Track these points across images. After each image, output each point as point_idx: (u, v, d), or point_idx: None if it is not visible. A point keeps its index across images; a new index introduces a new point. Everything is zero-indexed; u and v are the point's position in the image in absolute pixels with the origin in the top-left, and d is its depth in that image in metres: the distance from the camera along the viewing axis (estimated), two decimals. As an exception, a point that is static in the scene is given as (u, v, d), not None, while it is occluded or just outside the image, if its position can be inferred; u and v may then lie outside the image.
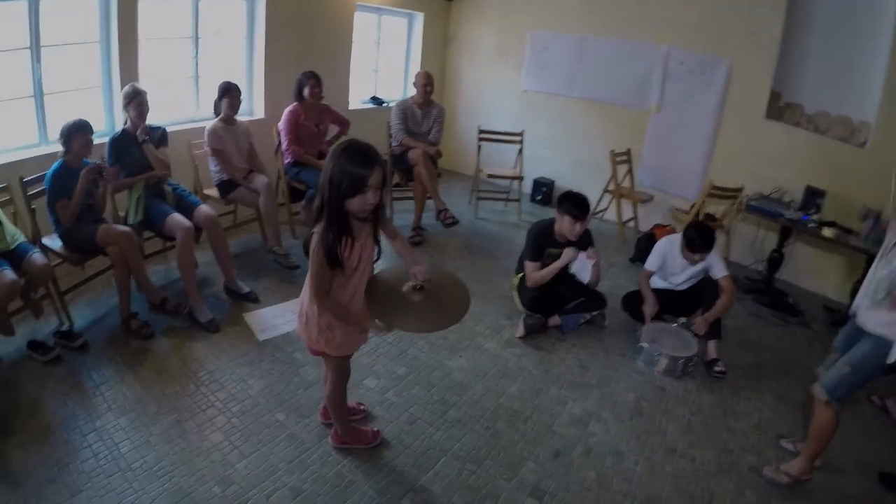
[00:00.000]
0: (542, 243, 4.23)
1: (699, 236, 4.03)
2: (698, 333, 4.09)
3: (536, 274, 4.19)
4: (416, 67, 7.72)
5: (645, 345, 4.06)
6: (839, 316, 5.01)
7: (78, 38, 4.58)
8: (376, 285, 2.44)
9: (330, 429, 3.11)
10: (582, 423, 3.47)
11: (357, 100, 7.39)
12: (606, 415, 3.56)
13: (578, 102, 7.19)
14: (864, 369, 2.89)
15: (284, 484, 2.81)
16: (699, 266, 4.22)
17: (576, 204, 4.04)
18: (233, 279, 4.49)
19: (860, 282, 3.45)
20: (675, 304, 4.44)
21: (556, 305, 4.34)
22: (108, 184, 4.00)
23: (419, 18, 7.89)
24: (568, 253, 4.08)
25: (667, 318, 4.45)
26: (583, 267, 4.12)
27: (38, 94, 4.32)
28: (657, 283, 4.48)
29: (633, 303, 4.49)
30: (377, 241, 2.48)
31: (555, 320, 4.34)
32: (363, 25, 7.19)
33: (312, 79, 5.31)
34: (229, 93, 4.80)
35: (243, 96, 5.35)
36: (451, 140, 8.15)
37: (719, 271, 4.17)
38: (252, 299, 4.45)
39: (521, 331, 4.26)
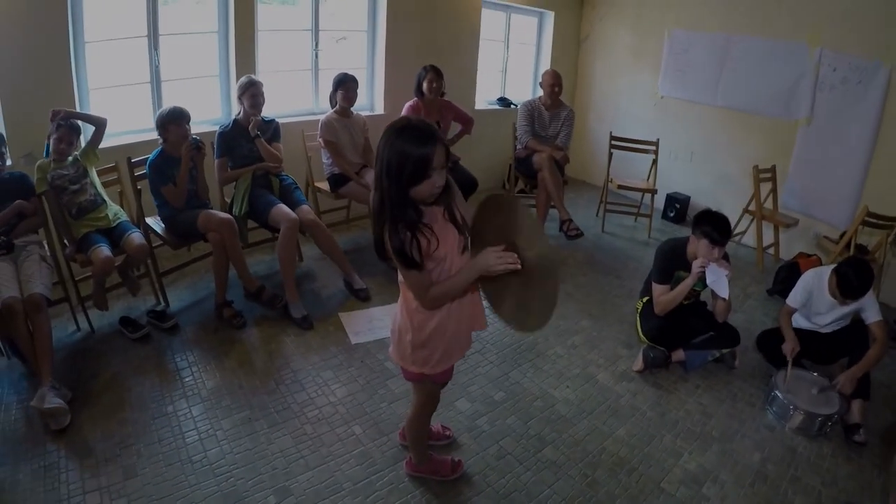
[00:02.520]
0: (673, 264, 3.72)
1: (856, 277, 3.38)
2: (844, 393, 3.45)
3: (665, 297, 3.69)
4: (545, 68, 7.33)
5: (779, 394, 3.47)
6: None
7: (196, 28, 4.72)
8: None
9: (407, 452, 2.82)
10: (696, 482, 2.93)
11: (483, 100, 7.18)
12: (725, 476, 3.00)
13: (719, 111, 6.55)
14: None
15: (345, 506, 2.58)
16: (850, 307, 3.58)
17: (716, 226, 3.47)
18: (350, 273, 4.43)
19: None
20: (817, 348, 3.80)
21: (682, 338, 3.83)
22: (205, 156, 4.00)
23: (550, 17, 7.55)
24: (697, 263, 3.50)
25: (806, 363, 3.83)
26: (718, 278, 3.51)
27: (155, 81, 4.49)
28: (799, 322, 3.86)
29: (769, 343, 3.90)
30: (456, 221, 2.05)
31: (679, 355, 3.82)
32: (491, 24, 6.97)
33: (432, 72, 5.12)
34: (344, 84, 4.73)
35: (364, 91, 5.47)
36: (579, 146, 7.80)
37: (872, 315, 3.52)
38: (362, 297, 4.37)
39: (639, 364, 3.79)
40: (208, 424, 2.96)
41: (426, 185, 1.86)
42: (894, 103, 5.20)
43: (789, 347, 3.64)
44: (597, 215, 6.64)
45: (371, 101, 6.00)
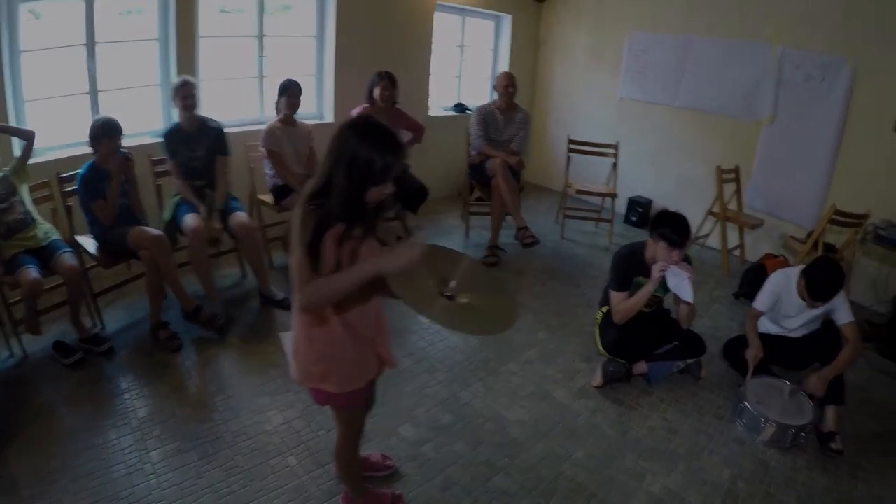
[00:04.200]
0: (631, 270, 3.53)
1: (826, 277, 3.23)
2: (815, 394, 3.30)
3: (624, 305, 3.49)
4: (503, 73, 7.27)
5: (748, 405, 3.30)
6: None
7: (136, 36, 4.57)
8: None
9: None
10: (660, 506, 2.75)
11: (438, 106, 7.03)
12: (692, 498, 2.81)
13: (681, 112, 6.47)
14: None
15: (277, 547, 2.38)
16: (820, 309, 3.43)
17: (674, 227, 3.29)
18: (266, 284, 4.27)
19: None
20: (787, 353, 3.65)
21: (644, 349, 3.65)
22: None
23: (507, 21, 7.42)
24: (657, 267, 3.32)
25: (775, 369, 3.68)
26: (680, 281, 3.32)
27: (93, 92, 4.29)
28: (767, 326, 3.71)
29: (737, 351, 3.73)
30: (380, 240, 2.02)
31: (641, 367, 3.64)
32: (446, 28, 6.81)
33: (385, 79, 4.97)
34: (288, 91, 4.57)
35: (312, 98, 5.46)
36: (539, 151, 7.79)
37: (844, 316, 3.37)
38: (286, 307, 4.16)
39: (598, 379, 3.60)
40: (137, 457, 2.75)
41: (378, 191, 1.85)
42: (859, 99, 5.17)
43: (752, 353, 3.51)
44: (556, 221, 6.49)
45: (320, 109, 5.81)
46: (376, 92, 4.95)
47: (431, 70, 6.60)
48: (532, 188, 7.48)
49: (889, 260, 5.03)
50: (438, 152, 6.46)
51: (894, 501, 2.94)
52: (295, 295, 1.88)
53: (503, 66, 7.44)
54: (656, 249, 3.35)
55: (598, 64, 7.16)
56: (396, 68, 5.24)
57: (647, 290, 3.38)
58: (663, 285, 3.40)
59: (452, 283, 1.93)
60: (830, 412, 3.29)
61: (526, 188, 5.94)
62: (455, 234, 5.99)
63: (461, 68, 7.31)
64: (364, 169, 1.77)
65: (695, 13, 6.16)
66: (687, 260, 3.43)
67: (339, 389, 2.07)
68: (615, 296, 3.53)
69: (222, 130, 4.23)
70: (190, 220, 3.85)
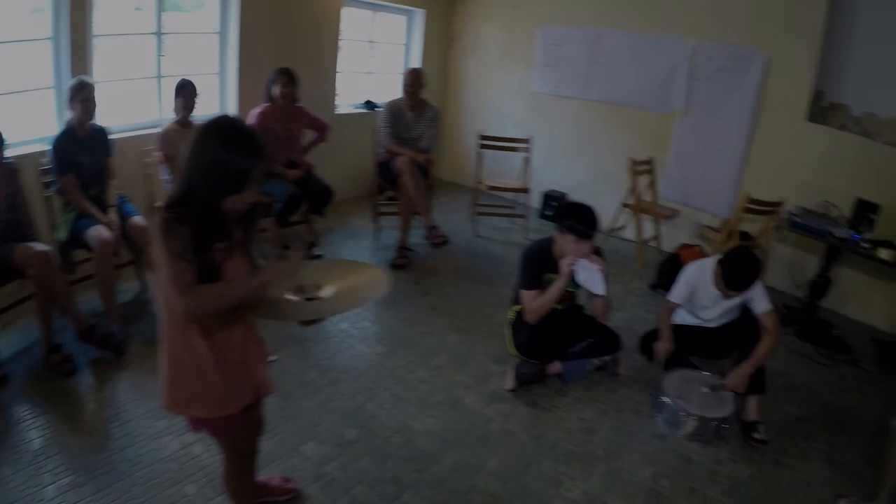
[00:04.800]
0: (540, 267, 3.44)
1: (742, 267, 3.23)
2: (737, 391, 3.29)
3: (535, 303, 3.39)
4: (415, 68, 7.14)
5: (668, 400, 3.27)
6: (892, 350, 4.42)
7: (27, 35, 4.24)
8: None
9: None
10: (581, 512, 2.66)
11: (347, 104, 6.85)
12: (613, 500, 2.75)
13: (594, 105, 6.53)
14: None
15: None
16: (737, 299, 3.43)
17: (580, 218, 3.22)
18: None
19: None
20: (705, 343, 3.65)
21: (557, 348, 3.56)
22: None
23: (419, 16, 7.30)
24: (566, 262, 3.26)
25: (694, 360, 3.67)
26: (590, 275, 3.29)
27: None
28: (684, 318, 3.70)
29: (652, 344, 3.71)
30: (249, 251, 1.92)
31: (555, 367, 3.56)
32: (356, 23, 6.64)
33: (283, 76, 4.75)
34: (183, 91, 4.33)
35: (215, 99, 5.26)
36: (453, 148, 7.72)
37: (761, 305, 3.37)
38: None
39: (510, 382, 3.50)
40: (32, 494, 2.53)
41: (238, 199, 1.74)
42: (771, 90, 5.33)
43: (662, 346, 3.52)
44: (469, 219, 6.39)
45: (223, 109, 5.54)
46: (275, 90, 4.75)
47: (339, 67, 6.43)
48: (445, 185, 7.42)
49: (804, 245, 5.17)
50: (347, 151, 6.32)
51: (821, 486, 2.97)
52: (163, 310, 1.73)
53: (415, 62, 7.32)
54: (564, 243, 3.29)
55: (511, 58, 7.14)
56: (303, 65, 5.08)
57: (558, 285, 3.31)
58: (574, 280, 3.33)
59: (307, 286, 1.93)
60: (752, 402, 3.31)
61: (439, 185, 5.84)
62: (364, 235, 5.84)
63: (371, 64, 7.17)
64: (221, 173, 1.66)
65: (607, 6, 6.22)
66: (598, 252, 3.37)
67: (208, 415, 1.91)
68: (525, 295, 3.44)
69: (107, 131, 4.02)
70: (95, 231, 3.62)
